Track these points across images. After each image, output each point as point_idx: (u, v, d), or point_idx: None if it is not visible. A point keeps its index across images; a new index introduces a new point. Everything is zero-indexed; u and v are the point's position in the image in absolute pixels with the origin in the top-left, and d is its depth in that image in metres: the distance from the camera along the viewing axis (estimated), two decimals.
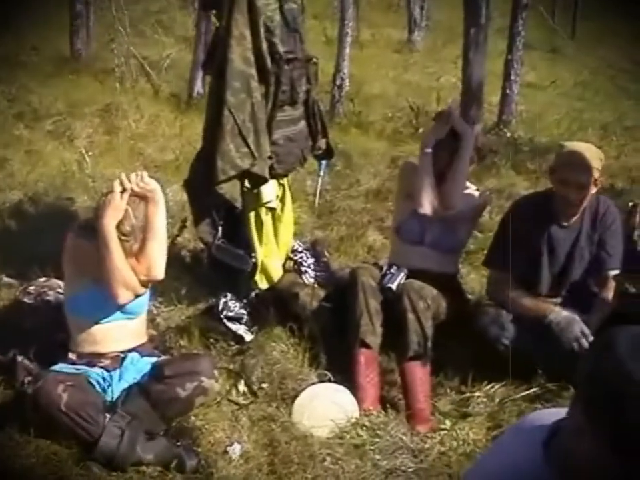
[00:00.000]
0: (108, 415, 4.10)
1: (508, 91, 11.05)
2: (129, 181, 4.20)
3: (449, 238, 5.33)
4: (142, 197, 4.26)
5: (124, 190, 4.17)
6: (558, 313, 4.88)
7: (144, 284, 4.33)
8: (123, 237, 4.18)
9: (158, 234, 4.34)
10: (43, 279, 5.22)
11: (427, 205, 5.20)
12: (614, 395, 1.83)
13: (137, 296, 4.30)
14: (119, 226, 4.15)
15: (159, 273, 4.38)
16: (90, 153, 8.41)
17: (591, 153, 4.92)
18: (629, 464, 1.83)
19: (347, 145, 9.76)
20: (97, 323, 4.35)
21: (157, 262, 4.34)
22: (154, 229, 4.31)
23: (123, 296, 4.21)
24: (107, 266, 4.14)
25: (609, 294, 5.02)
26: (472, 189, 5.48)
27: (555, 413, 2.19)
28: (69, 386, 4.04)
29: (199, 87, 11.02)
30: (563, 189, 4.94)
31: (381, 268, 5.29)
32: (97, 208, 4.23)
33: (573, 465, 1.96)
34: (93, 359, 4.34)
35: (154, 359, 4.47)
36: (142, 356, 4.44)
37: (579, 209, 4.99)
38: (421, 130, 10.40)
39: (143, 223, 4.26)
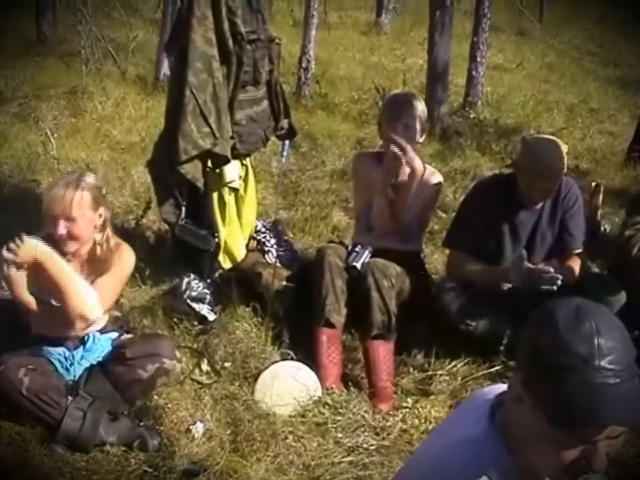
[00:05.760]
0: (70, 397, 4.11)
1: (474, 73, 11.08)
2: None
3: (407, 226, 5.31)
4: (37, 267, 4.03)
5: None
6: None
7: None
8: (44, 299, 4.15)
9: (69, 288, 4.05)
10: None
11: (381, 232, 5.26)
12: (552, 366, 1.85)
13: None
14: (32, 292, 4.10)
15: (94, 314, 4.15)
16: (55, 135, 8.36)
17: (557, 154, 4.85)
18: (564, 434, 1.86)
19: (312, 127, 9.81)
20: None
21: (86, 308, 4.11)
22: (62, 287, 4.03)
23: (79, 329, 4.23)
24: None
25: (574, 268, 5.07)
26: (430, 171, 5.37)
27: (501, 387, 2.23)
28: (30, 370, 4.04)
29: (165, 69, 10.91)
30: (528, 191, 4.95)
31: (346, 247, 5.28)
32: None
33: (515, 432, 2.00)
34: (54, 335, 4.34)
35: (115, 335, 4.47)
36: (102, 333, 4.42)
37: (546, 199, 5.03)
38: None
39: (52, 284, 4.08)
